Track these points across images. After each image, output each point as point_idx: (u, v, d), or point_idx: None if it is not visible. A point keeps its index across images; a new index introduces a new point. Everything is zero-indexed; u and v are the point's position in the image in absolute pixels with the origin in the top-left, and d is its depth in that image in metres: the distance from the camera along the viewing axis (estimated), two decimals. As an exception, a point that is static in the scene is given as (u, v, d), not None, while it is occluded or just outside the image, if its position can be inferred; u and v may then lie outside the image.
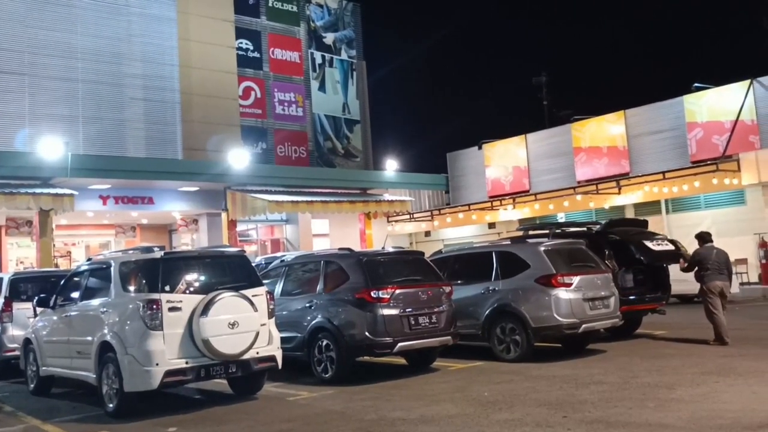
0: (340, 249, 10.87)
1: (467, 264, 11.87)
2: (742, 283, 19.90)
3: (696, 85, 24.44)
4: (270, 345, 8.64)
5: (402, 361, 10.58)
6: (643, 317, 13.04)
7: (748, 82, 22.73)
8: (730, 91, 23.24)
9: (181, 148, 24.79)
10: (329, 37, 31.82)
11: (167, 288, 8.07)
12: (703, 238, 11.75)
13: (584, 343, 11.20)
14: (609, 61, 61.84)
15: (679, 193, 22.32)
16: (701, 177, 21.30)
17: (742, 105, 22.52)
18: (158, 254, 8.45)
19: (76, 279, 9.77)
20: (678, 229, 23.57)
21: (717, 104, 23.57)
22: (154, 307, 7.89)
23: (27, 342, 10.38)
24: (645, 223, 14.09)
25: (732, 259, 20.53)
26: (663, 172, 22.32)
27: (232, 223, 22.12)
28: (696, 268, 11.50)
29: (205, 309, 8.03)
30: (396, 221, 29.57)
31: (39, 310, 10.23)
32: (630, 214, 24.82)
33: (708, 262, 11.30)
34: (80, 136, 22.63)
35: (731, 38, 55.19)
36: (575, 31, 68.13)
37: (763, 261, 20.92)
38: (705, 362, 9.35)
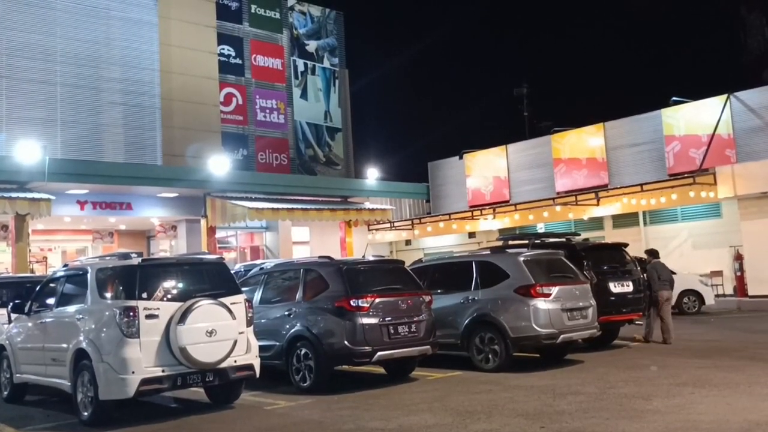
0: (320, 257, 10.84)
1: (447, 273, 11.89)
2: (717, 295, 20.10)
3: (674, 98, 24.73)
4: (248, 353, 8.59)
5: (381, 370, 10.56)
6: (620, 328, 13.22)
7: (725, 96, 23.05)
8: (708, 106, 23.57)
9: (160, 153, 24.60)
10: (312, 45, 31.86)
11: (144, 295, 8.00)
12: (654, 254, 13.49)
13: (562, 354, 11.27)
14: (589, 73, 62.52)
15: (656, 206, 22.54)
16: (678, 190, 21.53)
17: (719, 119, 22.84)
18: (136, 261, 8.37)
19: (52, 285, 9.66)
20: (655, 241, 23.78)
21: (694, 118, 23.89)
22: (131, 314, 7.81)
23: (1, 348, 10.22)
24: (623, 248, 13.78)
25: (707, 271, 21.19)
26: (641, 185, 22.53)
27: (211, 230, 21.99)
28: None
29: (183, 317, 7.96)
30: (376, 230, 29.56)
31: (14, 316, 10.07)
32: (608, 225, 25.02)
33: (664, 274, 13.00)
34: (58, 140, 22.39)
35: (710, 52, 56.07)
36: (556, 44, 68.84)
37: (738, 273, 21.18)
38: (680, 373, 9.44)
